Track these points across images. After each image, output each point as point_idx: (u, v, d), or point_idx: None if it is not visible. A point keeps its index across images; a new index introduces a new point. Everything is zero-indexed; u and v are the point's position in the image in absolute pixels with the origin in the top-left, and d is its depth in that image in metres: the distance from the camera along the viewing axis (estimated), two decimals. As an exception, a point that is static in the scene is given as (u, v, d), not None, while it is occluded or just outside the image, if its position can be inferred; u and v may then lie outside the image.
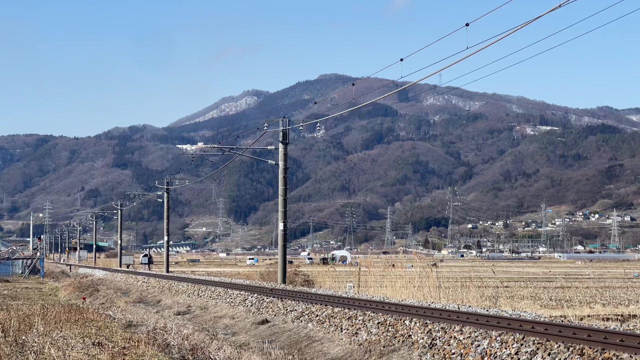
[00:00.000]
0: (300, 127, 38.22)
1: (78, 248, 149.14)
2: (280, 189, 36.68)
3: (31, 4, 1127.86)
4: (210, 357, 16.28)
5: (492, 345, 13.94)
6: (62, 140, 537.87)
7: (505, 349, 13.55)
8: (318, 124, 38.25)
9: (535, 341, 13.33)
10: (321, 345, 18.18)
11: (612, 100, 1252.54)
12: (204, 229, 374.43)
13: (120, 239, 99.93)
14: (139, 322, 23.77)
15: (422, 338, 15.82)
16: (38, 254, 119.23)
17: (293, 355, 17.05)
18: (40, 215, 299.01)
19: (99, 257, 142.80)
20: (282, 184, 36.60)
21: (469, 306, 21.97)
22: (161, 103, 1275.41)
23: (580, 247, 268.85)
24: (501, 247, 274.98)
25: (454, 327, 15.77)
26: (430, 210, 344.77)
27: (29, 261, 78.56)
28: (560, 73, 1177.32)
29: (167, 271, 64.58)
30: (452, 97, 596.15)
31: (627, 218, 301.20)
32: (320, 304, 22.45)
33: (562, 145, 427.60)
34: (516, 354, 13.16)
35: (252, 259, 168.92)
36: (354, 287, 34.17)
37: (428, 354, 14.89)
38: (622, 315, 33.78)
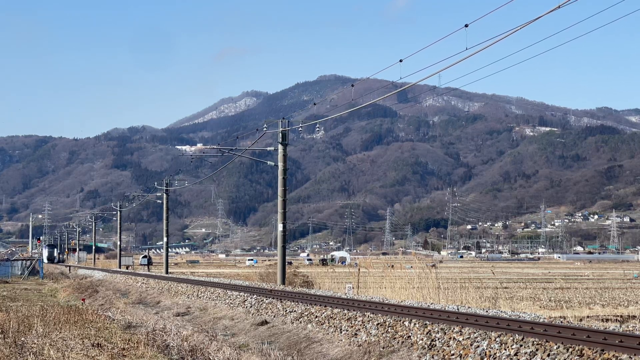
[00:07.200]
0: (300, 128, 38.23)
1: (77, 249, 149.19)
2: (279, 190, 36.67)
3: (30, 4, 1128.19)
4: (209, 358, 16.27)
5: (492, 346, 13.94)
6: (62, 141, 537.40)
7: (505, 349, 13.55)
8: (317, 125, 38.24)
9: (535, 342, 13.33)
10: (320, 346, 18.18)
11: (611, 101, 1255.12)
12: (203, 230, 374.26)
13: (120, 240, 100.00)
14: (139, 323, 23.74)
15: (422, 339, 15.81)
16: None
17: (292, 357, 17.05)
18: (40, 216, 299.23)
19: (98, 258, 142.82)
20: (282, 185, 36.58)
21: (469, 307, 21.99)
22: (160, 104, 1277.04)
23: (579, 248, 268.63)
24: (500, 248, 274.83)
25: (454, 328, 15.77)
26: (429, 211, 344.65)
27: (28, 262, 78.48)
28: (560, 74, 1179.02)
29: (167, 272, 64.59)
30: (452, 98, 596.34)
31: (627, 219, 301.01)
32: (320, 305, 22.44)
33: (561, 146, 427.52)
34: (515, 354, 13.16)
35: (252, 260, 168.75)
36: (353, 288, 34.16)
37: (427, 354, 14.89)
38: (621, 316, 33.74)
